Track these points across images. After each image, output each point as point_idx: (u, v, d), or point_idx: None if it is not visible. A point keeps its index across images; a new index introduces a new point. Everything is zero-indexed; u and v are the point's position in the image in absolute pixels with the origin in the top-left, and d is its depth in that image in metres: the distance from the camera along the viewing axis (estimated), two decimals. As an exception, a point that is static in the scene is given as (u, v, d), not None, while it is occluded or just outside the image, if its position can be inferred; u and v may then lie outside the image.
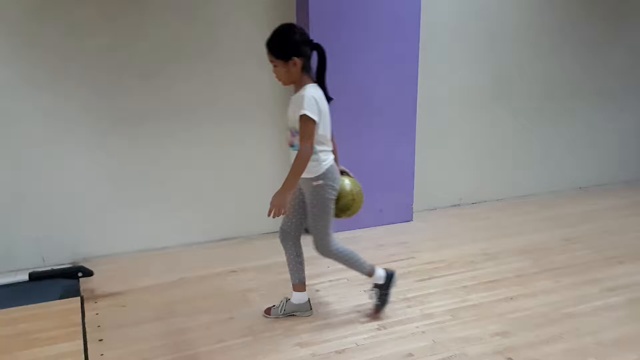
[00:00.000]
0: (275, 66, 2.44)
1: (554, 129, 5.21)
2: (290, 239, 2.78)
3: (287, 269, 3.20)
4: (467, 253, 3.71)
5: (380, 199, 4.30)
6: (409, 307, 2.89)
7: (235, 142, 3.96)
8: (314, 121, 2.39)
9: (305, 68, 2.47)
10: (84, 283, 3.26)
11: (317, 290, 3.12)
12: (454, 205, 4.93)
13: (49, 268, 3.42)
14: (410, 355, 2.40)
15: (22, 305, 2.96)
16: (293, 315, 2.81)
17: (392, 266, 3.42)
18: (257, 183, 4.09)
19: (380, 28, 3.99)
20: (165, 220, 3.81)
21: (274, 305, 2.84)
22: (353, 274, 3.31)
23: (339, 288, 3.15)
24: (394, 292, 3.04)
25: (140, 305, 2.96)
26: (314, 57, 2.53)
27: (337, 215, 2.72)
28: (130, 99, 3.57)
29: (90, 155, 3.54)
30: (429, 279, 3.27)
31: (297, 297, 2.80)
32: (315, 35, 3.72)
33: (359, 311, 2.84)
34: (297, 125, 2.44)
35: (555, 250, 3.74)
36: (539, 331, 2.62)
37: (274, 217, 2.43)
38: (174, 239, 3.84)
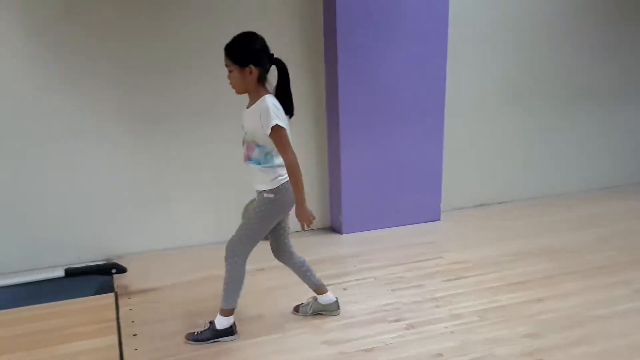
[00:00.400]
0: (230, 71, 2.38)
1: (583, 128, 5.13)
2: (283, 255, 2.74)
3: (315, 267, 3.25)
4: (494, 253, 3.69)
5: (408, 198, 4.30)
6: (437, 307, 2.89)
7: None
8: (284, 129, 2.36)
9: (261, 79, 2.41)
10: (118, 279, 3.36)
11: (344, 289, 3.15)
12: (481, 205, 4.90)
13: (84, 265, 3.53)
14: (440, 355, 2.41)
15: (59, 300, 3.05)
16: (320, 314, 2.84)
17: (419, 266, 3.46)
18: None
19: (409, 27, 4.00)
20: (195, 218, 3.88)
21: (302, 303, 2.88)
22: (381, 273, 3.36)
23: (365, 287, 3.17)
24: (421, 292, 3.06)
25: (172, 301, 3.03)
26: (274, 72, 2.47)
27: None
28: (159, 98, 3.65)
29: (124, 154, 3.64)
30: (457, 279, 3.27)
31: (323, 299, 2.82)
32: (342, 36, 3.81)
33: (386, 310, 2.86)
34: (258, 138, 2.40)
35: (584, 251, 3.69)
36: (568, 333, 2.60)
37: (309, 228, 2.51)
38: (204, 237, 3.92)
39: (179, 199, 3.80)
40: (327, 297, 2.82)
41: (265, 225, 2.53)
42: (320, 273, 3.33)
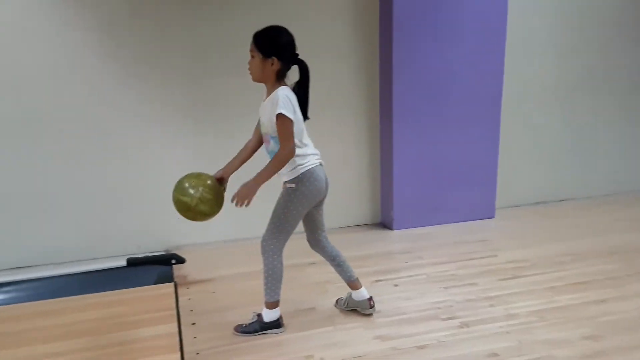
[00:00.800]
0: (252, 57, 2.41)
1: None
2: (317, 246, 2.77)
3: (365, 262, 3.26)
4: (552, 253, 3.58)
5: (461, 194, 4.24)
6: (491, 306, 2.84)
7: (314, 135, 4.04)
8: (290, 120, 2.35)
9: (281, 74, 2.42)
10: (177, 270, 3.48)
11: (396, 285, 3.14)
12: (538, 203, 4.77)
13: (144, 255, 3.68)
14: (495, 355, 2.37)
15: (121, 289, 3.18)
16: (355, 310, 2.84)
17: (472, 264, 3.41)
18: (338, 176, 4.15)
19: (466, 23, 3.94)
20: (251, 211, 3.94)
21: (341, 297, 2.91)
22: (432, 270, 3.33)
23: (417, 284, 3.15)
24: (475, 290, 3.01)
25: (228, 292, 3.12)
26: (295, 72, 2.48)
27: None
28: (216, 95, 3.75)
29: (183, 148, 3.77)
30: (512, 278, 3.20)
31: (357, 295, 2.80)
32: (398, 30, 3.78)
33: (439, 308, 2.83)
34: (270, 130, 2.42)
35: (650, 252, 3.54)
36: (633, 336, 2.49)
37: (239, 206, 2.43)
38: (260, 230, 3.98)
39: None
40: (360, 294, 2.79)
41: (293, 216, 2.53)
42: (370, 269, 3.38)
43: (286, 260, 3.45)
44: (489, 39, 4.02)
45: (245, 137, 3.78)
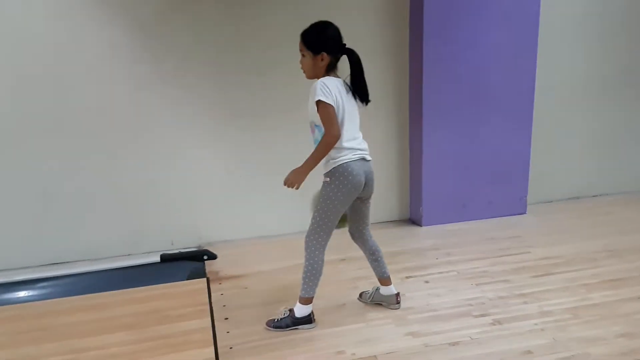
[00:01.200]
0: (303, 56, 2.47)
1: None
2: (357, 239, 2.79)
3: (395, 259, 3.25)
4: (587, 249, 3.52)
5: (491, 190, 4.19)
6: (525, 303, 2.81)
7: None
8: (330, 105, 2.36)
9: (331, 67, 2.47)
10: (209, 265, 3.53)
11: (426, 282, 3.13)
12: (572, 198, 4.68)
13: (177, 251, 3.75)
14: (529, 352, 2.34)
15: (155, 284, 3.24)
16: (380, 304, 2.85)
17: (504, 260, 3.37)
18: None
19: (498, 14, 3.89)
20: (282, 208, 3.99)
21: (366, 291, 2.92)
22: (463, 266, 3.31)
23: (448, 280, 3.13)
24: (508, 287, 2.98)
25: (260, 288, 3.15)
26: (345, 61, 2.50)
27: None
28: (247, 94, 3.78)
29: (214, 145, 3.82)
30: (546, 275, 3.15)
31: (385, 290, 2.83)
32: (429, 23, 3.75)
33: (470, 305, 2.81)
34: (315, 119, 2.44)
35: (689, 249, 3.44)
36: (672, 336, 2.44)
37: (287, 187, 2.45)
38: (290, 227, 4.03)
39: (268, 189, 3.92)
40: (389, 289, 2.82)
41: (332, 210, 2.52)
42: (400, 265, 3.37)
43: (316, 257, 3.53)
44: (521, 33, 3.96)
45: (274, 134, 3.84)
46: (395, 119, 4.16)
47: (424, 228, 4.12)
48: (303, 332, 2.62)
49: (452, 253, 3.56)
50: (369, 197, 2.67)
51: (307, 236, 2.60)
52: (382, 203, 4.28)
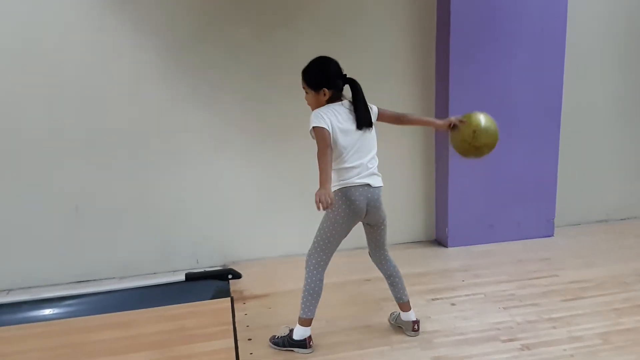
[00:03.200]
0: (307, 93, 2.56)
1: None
2: (375, 261, 2.80)
3: (421, 280, 3.22)
4: (618, 273, 3.43)
5: (518, 211, 4.13)
6: (554, 327, 2.74)
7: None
8: (320, 128, 2.44)
9: (334, 99, 2.54)
10: (233, 284, 3.54)
11: (453, 304, 3.09)
12: (601, 221, 4.58)
13: (202, 270, 3.77)
14: (559, 378, 2.29)
15: (180, 303, 3.26)
16: (400, 327, 2.82)
17: (532, 283, 3.31)
18: (391, 192, 4.14)
19: (524, 34, 3.89)
20: (306, 227, 3.94)
21: (394, 312, 2.90)
22: (491, 289, 3.25)
23: (476, 303, 3.09)
24: (536, 311, 2.92)
25: (285, 308, 3.13)
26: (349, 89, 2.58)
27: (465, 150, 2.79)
28: (277, 117, 3.83)
29: (241, 166, 3.86)
30: (575, 299, 3.08)
31: (404, 316, 2.79)
32: (455, 45, 3.77)
33: (498, 329, 2.76)
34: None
35: None
36: None
37: (323, 209, 2.38)
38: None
39: (292, 209, 3.94)
40: (407, 315, 2.78)
41: (332, 232, 2.56)
42: (426, 286, 3.34)
43: (342, 277, 3.51)
44: (548, 50, 3.94)
45: (300, 156, 3.88)
46: (421, 139, 4.15)
47: (450, 249, 4.08)
48: (326, 355, 2.59)
49: (479, 275, 3.51)
50: (379, 224, 2.66)
51: (307, 255, 2.64)
52: (407, 223, 4.26)
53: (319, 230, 2.61)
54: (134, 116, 3.63)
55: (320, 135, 2.46)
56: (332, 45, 3.80)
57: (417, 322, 2.77)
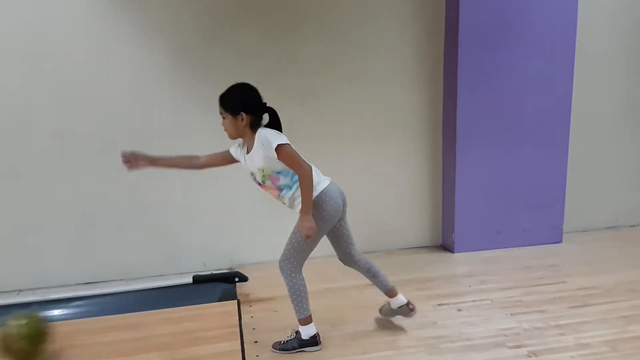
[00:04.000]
0: (223, 118, 2.52)
1: None
2: (348, 262, 2.82)
3: (427, 285, 3.22)
4: (626, 280, 3.41)
5: (526, 217, 4.12)
6: (561, 334, 2.73)
7: (374, 155, 4.07)
8: (289, 145, 2.45)
9: (253, 124, 2.51)
10: (240, 287, 3.55)
11: (459, 310, 3.08)
12: (609, 228, 4.55)
13: (209, 272, 3.79)
14: (566, 386, 2.28)
15: (187, 305, 3.28)
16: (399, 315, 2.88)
17: (539, 290, 3.29)
18: (397, 196, 4.16)
19: (534, 41, 3.89)
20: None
21: (383, 306, 2.94)
22: (497, 295, 3.24)
23: (482, 309, 3.07)
24: (543, 318, 2.91)
25: (290, 311, 3.10)
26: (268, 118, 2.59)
27: None
28: (284, 120, 3.82)
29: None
30: (583, 306, 3.06)
31: (395, 302, 2.84)
32: (463, 51, 3.77)
33: (505, 335, 2.75)
34: (276, 167, 2.50)
35: None
36: None
37: (311, 240, 2.52)
38: (320, 251, 3.97)
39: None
40: (398, 300, 2.83)
41: (312, 239, 2.56)
42: (432, 292, 3.33)
43: (345, 282, 3.51)
44: (558, 54, 3.93)
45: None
46: (427, 143, 4.15)
47: (456, 254, 4.07)
48: (334, 358, 2.60)
49: (485, 281, 3.50)
50: (344, 217, 2.71)
51: (281, 261, 2.66)
52: (413, 228, 4.26)
53: (295, 237, 2.61)
54: (140, 119, 3.67)
55: (290, 152, 2.46)
56: (338, 49, 3.86)
57: (409, 302, 2.83)
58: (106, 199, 3.70)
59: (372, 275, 2.81)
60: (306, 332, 2.67)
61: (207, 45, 3.66)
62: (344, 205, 2.66)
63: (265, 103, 2.55)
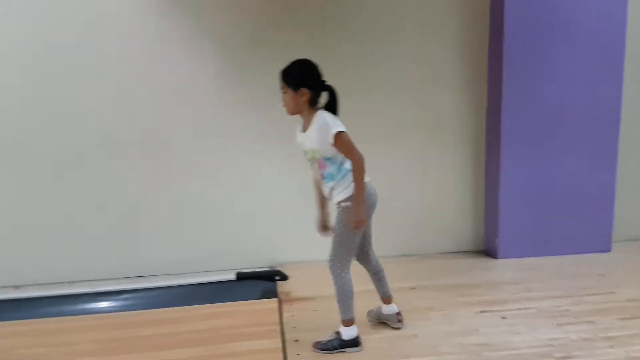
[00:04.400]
0: (284, 92, 2.53)
1: None
2: (361, 260, 2.85)
3: (469, 291, 3.19)
4: (680, 292, 3.27)
5: (573, 224, 4.00)
6: (611, 347, 2.63)
7: (417, 158, 4.04)
8: (346, 132, 2.46)
9: (312, 102, 2.53)
10: (280, 286, 3.58)
11: (503, 318, 3.01)
12: (662, 237, 4.38)
13: (251, 270, 3.83)
14: (617, 401, 2.20)
15: (229, 301, 3.33)
16: (384, 323, 2.92)
17: (587, 300, 3.19)
18: (436, 201, 4.12)
19: (581, 41, 3.78)
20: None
21: (371, 310, 2.98)
22: (544, 304, 3.16)
23: (528, 317, 3.00)
24: (592, 329, 2.82)
25: (330, 311, 3.10)
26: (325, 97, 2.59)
27: None
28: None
29: (293, 169, 3.87)
30: (633, 318, 2.95)
31: (387, 309, 2.89)
32: (509, 51, 3.69)
33: (552, 345, 2.67)
34: (328, 153, 2.50)
35: None
36: None
37: (357, 230, 2.55)
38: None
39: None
40: (390, 308, 2.89)
41: (355, 233, 2.58)
42: (474, 298, 3.28)
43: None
44: (606, 58, 3.81)
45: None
46: (470, 145, 4.09)
47: (499, 260, 3.98)
48: (374, 360, 2.59)
49: (531, 289, 3.41)
50: (371, 217, 2.73)
51: (330, 261, 2.67)
52: (455, 232, 4.20)
53: (338, 235, 2.62)
54: (187, 118, 3.76)
55: (347, 140, 2.48)
56: (380, 50, 3.84)
57: (399, 312, 2.87)
58: (155, 195, 3.79)
59: (378, 278, 2.86)
60: (348, 333, 2.67)
61: (255, 46, 3.70)
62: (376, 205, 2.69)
63: (325, 81, 2.56)
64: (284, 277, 3.66)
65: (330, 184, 2.58)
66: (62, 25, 3.54)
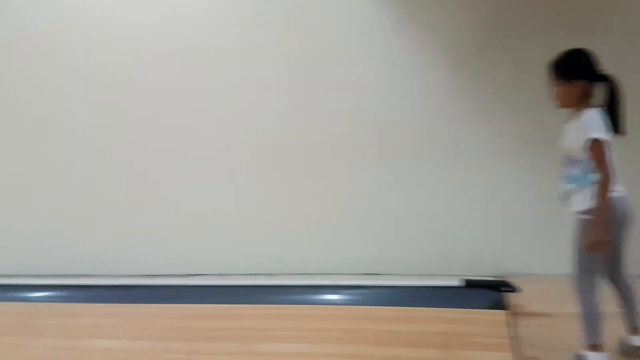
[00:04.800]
0: (557, 85, 2.39)
1: None
2: (614, 279, 2.57)
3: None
4: None
5: None
6: None
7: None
8: (602, 142, 2.23)
9: (586, 95, 2.33)
10: (510, 298, 3.46)
11: None
12: None
13: (479, 278, 3.79)
14: None
15: (454, 307, 3.37)
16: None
17: None
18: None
19: None
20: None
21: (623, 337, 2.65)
22: None
23: None
24: None
25: (570, 332, 2.89)
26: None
27: None
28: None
29: (521, 177, 3.81)
30: None
31: (635, 340, 2.60)
32: None
33: None
34: (578, 155, 2.33)
35: None
36: None
37: (591, 254, 2.36)
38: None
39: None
40: (637, 340, 2.57)
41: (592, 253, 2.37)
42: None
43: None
44: None
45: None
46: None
47: None
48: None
49: None
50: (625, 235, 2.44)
51: (572, 277, 2.50)
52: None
53: (578, 252, 2.46)
54: (425, 130, 3.91)
55: (601, 151, 2.27)
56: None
57: None
58: (386, 200, 4.04)
59: (627, 299, 2.57)
60: (594, 357, 2.49)
61: (485, 54, 3.68)
62: (632, 221, 2.44)
63: (602, 70, 2.40)
64: (512, 289, 3.55)
65: (570, 186, 2.46)
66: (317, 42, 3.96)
